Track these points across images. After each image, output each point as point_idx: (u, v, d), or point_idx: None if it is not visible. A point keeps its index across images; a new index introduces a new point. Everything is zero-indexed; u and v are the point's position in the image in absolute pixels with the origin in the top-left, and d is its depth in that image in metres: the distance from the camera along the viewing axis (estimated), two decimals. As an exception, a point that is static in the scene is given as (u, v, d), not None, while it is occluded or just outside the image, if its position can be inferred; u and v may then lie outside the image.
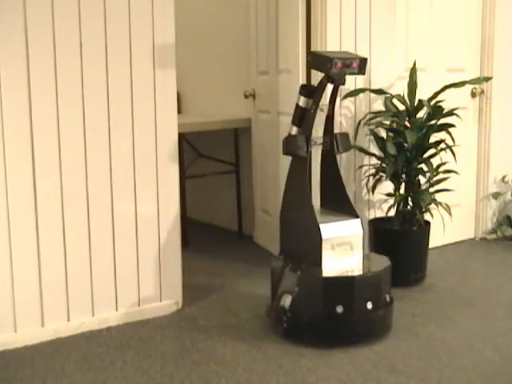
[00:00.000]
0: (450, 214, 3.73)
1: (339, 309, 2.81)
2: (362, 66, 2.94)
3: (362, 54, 2.81)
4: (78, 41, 2.88)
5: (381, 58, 3.90)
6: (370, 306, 2.85)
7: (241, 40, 4.56)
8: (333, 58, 2.86)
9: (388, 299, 2.96)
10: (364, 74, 2.99)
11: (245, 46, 4.51)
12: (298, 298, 2.89)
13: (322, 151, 3.19)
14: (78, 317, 3.02)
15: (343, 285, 2.84)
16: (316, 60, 2.97)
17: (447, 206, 3.72)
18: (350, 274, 2.88)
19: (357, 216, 3.05)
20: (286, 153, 2.99)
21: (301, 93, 3.04)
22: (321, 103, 3.24)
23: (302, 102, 3.03)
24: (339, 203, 3.14)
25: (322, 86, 2.96)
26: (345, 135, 3.14)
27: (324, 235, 2.92)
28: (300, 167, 3.01)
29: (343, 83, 2.97)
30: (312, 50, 3.65)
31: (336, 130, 3.45)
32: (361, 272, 2.91)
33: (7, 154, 2.78)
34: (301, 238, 3.04)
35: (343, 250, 2.98)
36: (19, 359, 2.75)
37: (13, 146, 2.78)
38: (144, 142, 3.11)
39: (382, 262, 3.01)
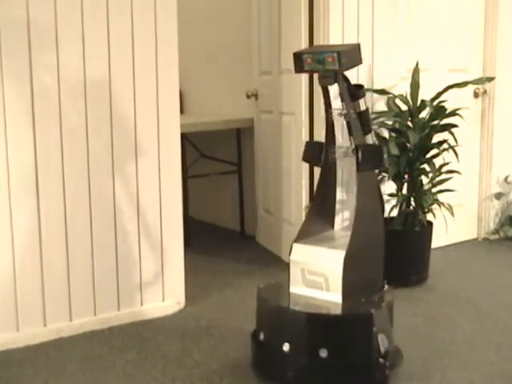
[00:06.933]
0: (452, 214, 3.72)
1: (261, 336, 2.56)
2: (339, 59, 2.40)
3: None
4: (81, 39, 2.88)
5: (383, 59, 3.90)
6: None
7: (243, 40, 4.56)
8: (301, 54, 2.49)
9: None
10: (343, 67, 2.43)
11: (247, 45, 4.50)
12: None
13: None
14: (80, 317, 3.02)
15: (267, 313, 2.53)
16: None
17: (450, 206, 3.71)
18: (302, 309, 2.47)
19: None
20: (302, 159, 2.72)
21: None
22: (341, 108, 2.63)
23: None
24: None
25: (322, 88, 2.58)
26: (371, 148, 2.53)
27: (293, 255, 2.59)
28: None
29: (329, 82, 2.50)
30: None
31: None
32: (326, 311, 2.47)
33: (9, 155, 2.79)
34: None
35: (315, 280, 2.54)
36: (21, 359, 2.76)
37: (15, 146, 2.79)
38: (146, 141, 3.11)
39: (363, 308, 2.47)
